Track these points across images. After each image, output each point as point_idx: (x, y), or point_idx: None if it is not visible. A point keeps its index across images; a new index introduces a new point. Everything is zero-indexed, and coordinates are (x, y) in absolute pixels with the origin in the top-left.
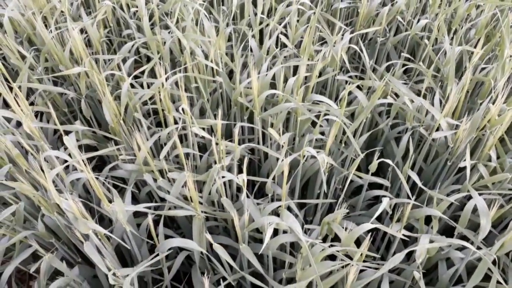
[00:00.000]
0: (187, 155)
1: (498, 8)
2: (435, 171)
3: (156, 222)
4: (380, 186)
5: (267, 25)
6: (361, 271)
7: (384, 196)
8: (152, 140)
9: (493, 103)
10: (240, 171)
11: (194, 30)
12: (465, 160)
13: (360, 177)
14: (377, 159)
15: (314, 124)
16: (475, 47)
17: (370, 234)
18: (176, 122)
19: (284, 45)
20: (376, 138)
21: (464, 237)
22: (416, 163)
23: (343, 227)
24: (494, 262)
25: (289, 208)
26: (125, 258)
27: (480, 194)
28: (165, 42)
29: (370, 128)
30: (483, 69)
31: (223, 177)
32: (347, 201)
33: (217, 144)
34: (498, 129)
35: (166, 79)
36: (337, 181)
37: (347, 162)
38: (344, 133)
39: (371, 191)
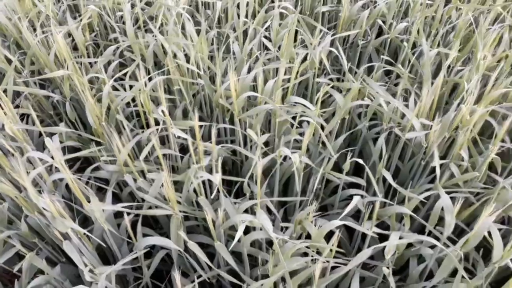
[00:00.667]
0: (169, 156)
1: (475, 12)
2: (411, 171)
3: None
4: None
5: (253, 28)
6: (335, 268)
7: (359, 194)
8: (132, 142)
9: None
10: (222, 171)
11: (176, 33)
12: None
13: (338, 177)
14: (357, 159)
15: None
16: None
17: (346, 232)
18: (158, 124)
19: (268, 48)
20: (356, 138)
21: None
22: (392, 163)
23: (317, 226)
24: (465, 258)
25: (270, 208)
26: (108, 258)
27: (451, 192)
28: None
29: (351, 129)
30: (460, 70)
31: (200, 177)
32: (325, 200)
33: (195, 145)
34: (468, 129)
35: (149, 80)
36: (317, 181)
37: (326, 162)
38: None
39: (347, 190)
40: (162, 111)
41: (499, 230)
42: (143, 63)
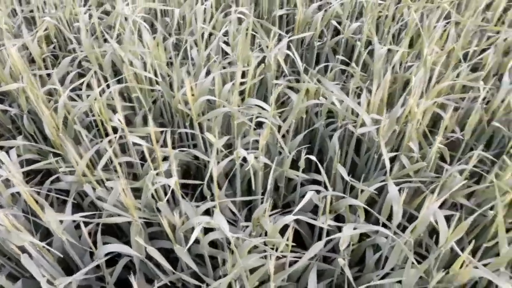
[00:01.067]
0: (131, 163)
1: (424, 9)
2: (367, 164)
3: (102, 232)
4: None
5: (211, 34)
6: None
7: (316, 190)
8: (90, 152)
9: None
10: (183, 176)
11: (133, 41)
12: (387, 152)
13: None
14: (311, 156)
15: (259, 126)
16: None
17: (309, 227)
18: (117, 132)
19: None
20: (315, 136)
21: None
22: (348, 158)
23: (272, 222)
24: (420, 244)
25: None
26: (73, 270)
27: (402, 183)
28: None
29: (310, 127)
30: (410, 66)
31: (158, 182)
32: (288, 197)
33: (151, 152)
34: (417, 122)
35: (104, 90)
36: (270, 179)
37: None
38: (283, 135)
39: (306, 187)
40: (119, 119)
41: (451, 216)
42: (101, 72)
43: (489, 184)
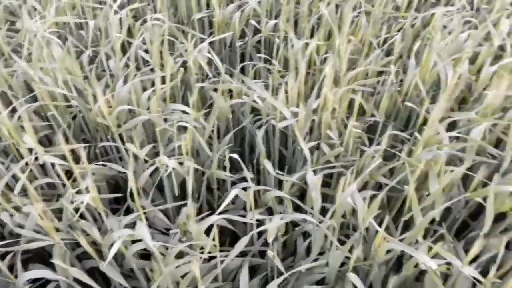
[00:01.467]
0: (52, 184)
1: (337, 1)
2: (294, 156)
3: (31, 259)
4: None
5: (130, 43)
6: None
7: (246, 187)
8: (4, 180)
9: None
10: (114, 190)
11: (42, 58)
12: (311, 142)
13: (227, 175)
14: (233, 155)
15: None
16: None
17: (245, 225)
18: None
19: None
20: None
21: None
22: (275, 151)
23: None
24: (347, 226)
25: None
26: None
27: (325, 169)
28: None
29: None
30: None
31: (76, 201)
32: (222, 198)
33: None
34: (331, 110)
35: (15, 111)
36: (190, 183)
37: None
38: (211, 137)
39: (236, 185)
40: (33, 141)
41: (374, 196)
42: (12, 92)
43: (403, 161)
